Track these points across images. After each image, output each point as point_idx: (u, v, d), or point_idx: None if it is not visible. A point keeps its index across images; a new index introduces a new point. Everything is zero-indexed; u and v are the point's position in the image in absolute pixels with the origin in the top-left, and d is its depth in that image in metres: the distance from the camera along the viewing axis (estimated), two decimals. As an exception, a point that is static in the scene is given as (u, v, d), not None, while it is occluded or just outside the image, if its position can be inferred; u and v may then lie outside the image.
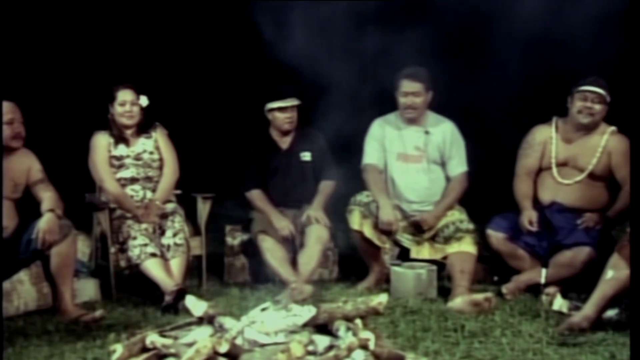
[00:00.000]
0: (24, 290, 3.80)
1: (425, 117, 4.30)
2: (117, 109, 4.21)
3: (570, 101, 4.08)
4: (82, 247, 4.14)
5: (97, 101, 4.33)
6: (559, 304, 3.70)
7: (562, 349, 3.14)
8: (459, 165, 4.30)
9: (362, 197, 4.23)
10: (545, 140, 4.16)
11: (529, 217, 4.07)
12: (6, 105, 3.63)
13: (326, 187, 4.47)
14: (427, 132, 4.28)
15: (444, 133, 4.28)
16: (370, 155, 4.32)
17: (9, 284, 3.74)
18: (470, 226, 4.15)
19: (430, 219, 4.18)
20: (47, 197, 3.78)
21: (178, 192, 4.43)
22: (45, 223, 3.64)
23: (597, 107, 4.00)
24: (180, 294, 3.68)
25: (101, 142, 4.23)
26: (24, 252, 3.68)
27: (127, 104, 4.21)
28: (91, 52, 7.93)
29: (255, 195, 4.43)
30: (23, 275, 3.81)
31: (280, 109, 4.40)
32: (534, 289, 4.00)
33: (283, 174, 4.47)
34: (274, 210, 4.37)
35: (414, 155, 4.28)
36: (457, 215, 4.20)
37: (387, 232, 4.17)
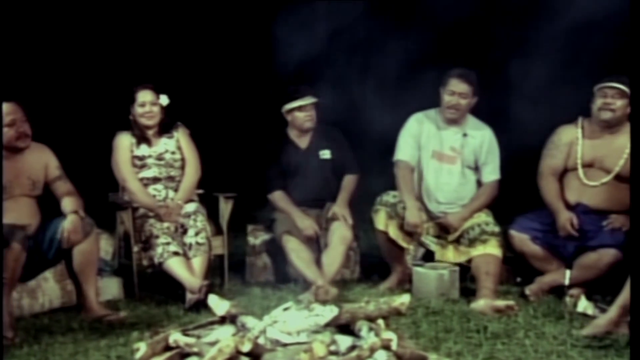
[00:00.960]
0: (49, 287, 3.84)
1: (465, 120, 4.27)
2: (138, 109, 4.24)
3: (593, 100, 4.04)
4: (105, 246, 4.17)
5: (121, 101, 4.36)
6: (584, 305, 3.66)
7: (587, 351, 3.11)
8: (492, 173, 4.26)
9: (389, 197, 4.21)
10: (571, 140, 4.11)
11: (569, 219, 3.99)
12: (6, 107, 3.62)
13: (349, 181, 4.48)
14: (465, 135, 4.25)
15: (482, 138, 4.25)
16: (404, 151, 4.28)
17: (34, 281, 3.79)
18: (496, 229, 4.11)
19: (455, 222, 4.16)
20: (68, 196, 3.82)
21: (200, 191, 4.44)
22: (69, 223, 3.67)
23: (618, 102, 3.95)
24: (209, 289, 3.70)
25: (123, 142, 4.26)
26: (47, 250, 3.72)
27: (147, 104, 4.23)
28: (116, 53, 7.99)
29: (278, 197, 4.44)
30: (47, 273, 3.85)
31: (300, 108, 4.40)
32: (558, 291, 3.96)
33: (304, 174, 4.46)
34: (297, 210, 4.37)
35: (449, 155, 4.25)
36: (483, 217, 4.17)
37: (412, 234, 4.15)
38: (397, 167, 4.27)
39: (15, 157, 3.69)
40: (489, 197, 4.24)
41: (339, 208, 4.33)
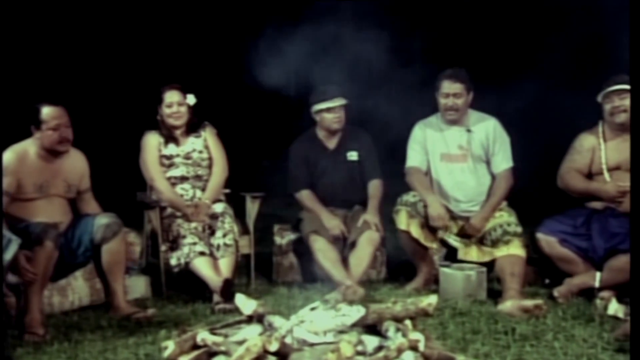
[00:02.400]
0: (78, 285, 3.89)
1: (467, 117, 4.26)
2: (165, 110, 4.27)
3: (602, 107, 4.02)
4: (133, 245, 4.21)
5: (149, 101, 4.40)
6: (614, 308, 3.61)
7: (619, 355, 3.06)
8: (503, 162, 4.24)
9: (409, 197, 4.20)
10: (593, 146, 4.10)
11: (615, 186, 3.93)
12: (53, 111, 3.68)
13: (375, 187, 4.46)
14: (469, 131, 4.24)
15: (486, 130, 4.24)
16: (413, 158, 4.31)
17: (64, 279, 3.83)
18: (519, 229, 4.08)
19: (477, 223, 4.14)
20: (95, 209, 3.93)
21: (227, 191, 4.47)
22: (106, 218, 3.76)
23: (627, 102, 3.90)
24: (227, 285, 3.72)
25: (151, 141, 4.29)
26: (76, 249, 3.76)
27: (174, 105, 4.26)
28: (145, 53, 8.06)
29: (305, 196, 4.44)
30: (76, 271, 3.89)
31: (328, 110, 4.39)
32: (587, 293, 3.90)
33: (331, 174, 4.46)
34: (324, 209, 4.37)
35: (457, 154, 4.25)
36: (506, 218, 4.14)
37: (437, 228, 4.13)
38: (409, 174, 4.29)
39: (54, 159, 3.76)
40: (505, 188, 4.21)
41: (371, 216, 4.31)
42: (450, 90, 4.16)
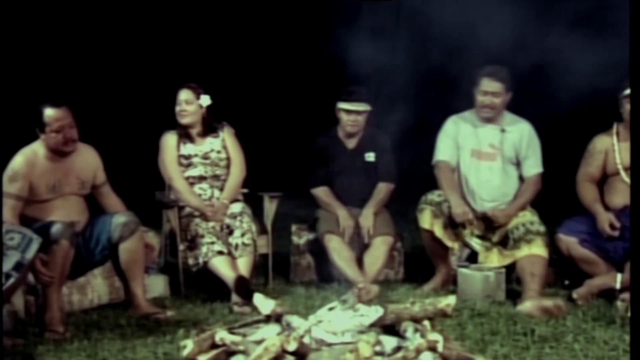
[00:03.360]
0: (97, 284, 3.92)
1: (502, 116, 4.23)
2: (176, 108, 4.29)
3: (621, 107, 3.99)
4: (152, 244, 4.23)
5: (168, 101, 4.42)
6: (635, 310, 3.57)
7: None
8: (534, 166, 4.21)
9: (434, 196, 4.19)
10: (607, 148, 4.09)
11: (608, 220, 3.96)
12: (55, 112, 3.67)
13: (382, 190, 4.44)
14: (503, 131, 4.21)
15: (521, 132, 4.21)
16: (443, 152, 4.26)
17: (83, 277, 3.86)
18: (541, 228, 4.05)
19: (501, 216, 4.11)
20: (115, 202, 3.94)
21: (245, 190, 4.48)
22: (124, 217, 3.78)
23: None
24: (241, 282, 3.73)
25: (170, 141, 4.31)
26: (94, 248, 3.79)
27: (182, 103, 4.27)
28: (166, 53, 8.10)
29: (321, 192, 4.44)
30: (95, 270, 3.92)
31: (348, 111, 4.38)
32: (608, 294, 3.87)
33: (348, 174, 4.46)
34: (341, 206, 4.37)
35: (488, 152, 4.21)
36: (529, 217, 4.11)
37: (460, 231, 4.11)
38: (437, 168, 4.25)
39: (63, 158, 3.77)
40: (533, 192, 4.19)
41: (364, 219, 4.31)
42: (489, 88, 4.13)
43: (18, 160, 3.67)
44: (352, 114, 4.38)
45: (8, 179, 3.64)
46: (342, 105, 4.39)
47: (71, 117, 3.72)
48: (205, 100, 4.31)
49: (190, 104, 4.28)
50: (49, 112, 3.66)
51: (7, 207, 3.60)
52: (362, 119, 4.41)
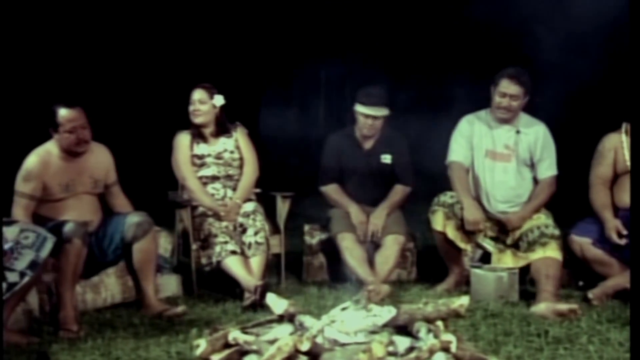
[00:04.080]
0: (111, 282, 3.93)
1: (517, 118, 4.21)
2: (189, 107, 4.30)
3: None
4: (165, 244, 4.25)
5: (182, 101, 4.43)
6: (651, 311, 3.54)
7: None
8: (549, 169, 4.19)
9: (447, 198, 4.17)
10: (616, 147, 4.07)
11: (615, 227, 3.95)
12: (68, 113, 3.68)
13: (397, 192, 4.43)
14: (518, 132, 4.19)
15: (536, 134, 4.18)
16: (457, 152, 4.24)
17: (96, 276, 3.88)
18: (556, 232, 4.03)
19: (515, 220, 4.09)
20: (124, 202, 3.96)
21: (257, 190, 4.48)
22: (137, 217, 3.80)
23: None
24: (265, 289, 3.74)
25: (183, 141, 4.32)
26: (107, 247, 3.81)
27: (196, 102, 4.28)
28: (179, 53, 8.12)
29: (331, 189, 4.44)
30: (109, 269, 3.93)
31: (366, 115, 4.36)
32: (623, 295, 3.84)
33: (363, 174, 4.45)
34: (352, 202, 4.36)
35: (503, 153, 4.19)
36: (543, 220, 4.09)
37: (472, 232, 4.10)
38: (450, 169, 4.23)
39: (76, 158, 3.79)
40: (548, 194, 4.17)
41: (376, 218, 4.30)
42: (509, 90, 4.09)
43: (32, 160, 3.70)
44: (369, 118, 4.36)
45: (22, 179, 3.66)
46: (360, 108, 4.36)
47: (84, 118, 3.74)
48: (219, 100, 4.32)
49: (204, 104, 4.28)
50: (62, 113, 3.68)
51: (20, 206, 3.63)
52: (379, 123, 4.38)
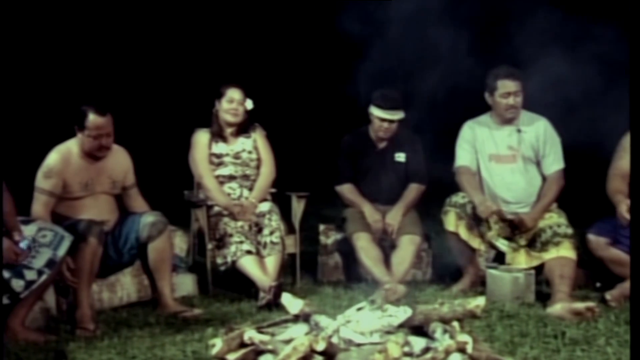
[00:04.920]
0: (126, 281, 3.95)
1: (519, 116, 4.20)
2: (224, 105, 4.28)
3: None
4: (180, 243, 4.27)
5: (199, 99, 4.45)
6: (669, 313, 3.50)
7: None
8: (554, 163, 4.17)
9: (458, 198, 4.16)
10: None
11: (627, 205, 3.84)
12: (97, 120, 3.69)
13: (412, 191, 4.42)
14: (519, 131, 4.18)
15: (537, 130, 4.17)
16: (463, 157, 4.25)
17: (112, 276, 3.90)
18: (569, 231, 4.00)
19: (528, 221, 4.07)
20: (141, 204, 3.97)
21: (273, 190, 4.48)
22: (152, 216, 3.82)
23: None
24: (279, 290, 3.74)
25: (202, 139, 4.33)
26: (123, 246, 3.83)
27: (235, 102, 4.28)
28: (195, 54, 8.15)
29: (347, 189, 4.44)
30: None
31: (380, 118, 4.34)
32: (641, 297, 3.80)
33: (377, 173, 4.44)
34: (366, 202, 4.36)
35: (507, 155, 4.19)
36: (555, 219, 4.06)
37: (487, 223, 4.06)
38: (457, 174, 4.24)
39: (96, 160, 3.82)
40: (556, 190, 4.14)
41: (392, 218, 4.29)
42: (511, 88, 4.10)
43: (53, 157, 3.73)
44: (385, 122, 4.34)
45: (42, 175, 3.69)
46: (376, 112, 4.34)
47: (111, 126, 3.76)
48: (249, 104, 4.33)
49: (241, 105, 4.29)
50: (91, 118, 3.69)
51: (39, 202, 3.66)
52: (395, 126, 4.37)
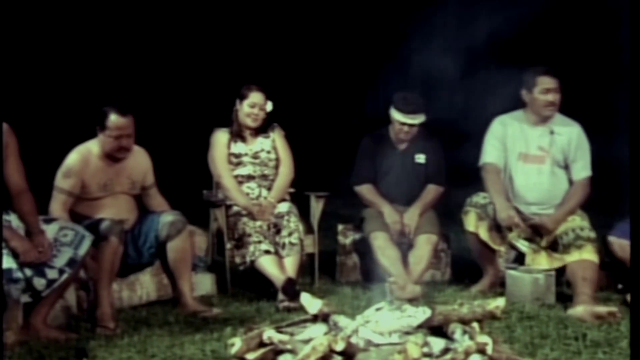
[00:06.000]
0: (146, 280, 3.97)
1: (553, 117, 4.16)
2: (245, 108, 4.29)
3: None
4: (199, 243, 4.27)
5: (218, 100, 4.45)
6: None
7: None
8: (583, 170, 4.13)
9: (479, 198, 4.14)
10: None
11: None
12: (119, 120, 3.71)
13: (429, 192, 4.41)
14: (552, 132, 4.14)
15: (570, 135, 4.13)
16: (490, 153, 4.20)
17: (132, 274, 3.92)
18: (592, 234, 3.96)
19: (550, 223, 4.03)
20: (161, 201, 3.99)
21: (292, 190, 4.49)
22: (171, 216, 3.84)
23: None
24: (290, 283, 3.75)
25: (221, 139, 4.35)
26: (142, 245, 3.85)
27: (257, 107, 4.28)
28: (213, 54, 8.18)
29: (365, 189, 4.43)
30: (144, 268, 3.98)
31: (402, 122, 4.32)
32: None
33: (397, 174, 4.43)
34: (385, 202, 4.35)
35: (536, 155, 4.15)
36: (578, 222, 4.02)
37: (508, 230, 4.05)
38: (483, 170, 4.19)
39: (116, 160, 3.84)
40: (582, 196, 4.11)
41: (409, 219, 4.28)
42: (551, 85, 4.08)
43: (73, 157, 3.76)
44: (406, 125, 4.32)
45: (62, 175, 3.73)
46: (398, 116, 4.31)
47: (133, 127, 3.78)
48: (269, 105, 4.32)
49: (262, 110, 4.29)
50: (113, 118, 3.71)
51: (58, 201, 3.69)
52: (415, 129, 4.35)
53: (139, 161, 3.95)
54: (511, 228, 4.05)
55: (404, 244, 4.27)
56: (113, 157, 3.80)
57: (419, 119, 4.31)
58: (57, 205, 3.69)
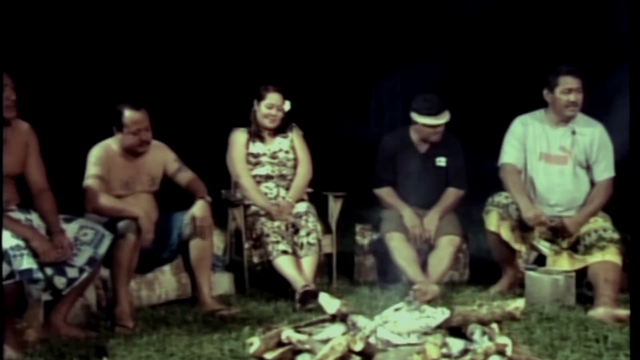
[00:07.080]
0: (165, 280, 3.99)
1: (575, 117, 4.12)
2: (263, 109, 4.29)
3: None
4: (217, 242, 4.29)
5: (236, 99, 4.47)
6: None
7: None
8: (605, 171, 4.08)
9: (501, 198, 4.11)
10: None
11: None
12: (134, 115, 3.74)
13: (449, 195, 4.37)
14: (574, 132, 4.10)
15: (592, 135, 4.09)
16: (509, 154, 4.17)
17: (151, 273, 3.95)
18: (615, 235, 3.92)
19: (571, 226, 3.99)
20: (191, 182, 3.95)
21: (310, 190, 4.49)
22: (198, 210, 3.83)
23: None
24: (307, 294, 3.74)
25: (240, 138, 4.36)
26: (165, 243, 3.86)
27: (274, 107, 4.28)
28: (231, 53, 8.20)
29: (385, 192, 4.41)
30: (165, 266, 3.99)
31: (426, 125, 4.28)
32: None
33: (418, 177, 4.38)
34: (405, 206, 4.32)
35: (558, 155, 4.11)
36: (601, 223, 3.98)
37: (530, 230, 4.01)
38: (503, 171, 4.16)
39: (135, 157, 3.87)
40: (604, 198, 4.06)
41: (429, 223, 4.25)
42: (574, 85, 4.03)
43: (96, 150, 3.81)
44: (430, 127, 4.28)
45: (91, 164, 3.76)
46: (421, 119, 4.26)
47: (148, 120, 3.82)
48: (287, 106, 4.33)
49: (280, 110, 4.29)
50: (128, 114, 3.75)
51: (94, 187, 3.68)
52: (442, 129, 4.31)
53: (156, 156, 3.97)
54: (533, 228, 4.02)
55: (425, 248, 4.24)
56: (135, 152, 3.83)
57: (444, 118, 4.27)
58: (93, 190, 3.65)
